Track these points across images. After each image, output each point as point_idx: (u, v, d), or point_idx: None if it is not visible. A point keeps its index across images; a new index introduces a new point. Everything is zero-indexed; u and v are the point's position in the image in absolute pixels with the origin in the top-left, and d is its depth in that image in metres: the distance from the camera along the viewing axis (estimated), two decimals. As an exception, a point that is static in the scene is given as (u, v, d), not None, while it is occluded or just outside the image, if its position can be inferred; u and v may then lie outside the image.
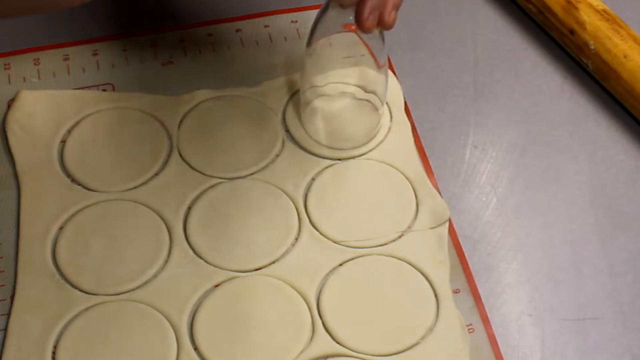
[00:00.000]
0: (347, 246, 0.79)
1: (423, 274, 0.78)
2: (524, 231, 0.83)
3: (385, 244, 0.79)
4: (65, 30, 0.92)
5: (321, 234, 0.79)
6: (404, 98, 0.89)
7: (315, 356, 0.73)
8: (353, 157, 0.84)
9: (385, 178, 0.84)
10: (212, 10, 0.95)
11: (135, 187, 0.82)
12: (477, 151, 0.88)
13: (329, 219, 0.80)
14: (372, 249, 0.79)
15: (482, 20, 0.98)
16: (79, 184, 0.82)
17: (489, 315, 0.77)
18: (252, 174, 0.83)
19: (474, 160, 0.87)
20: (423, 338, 0.74)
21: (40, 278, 0.76)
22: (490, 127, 0.90)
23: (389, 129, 0.87)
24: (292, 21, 0.95)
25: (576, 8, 0.92)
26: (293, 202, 0.81)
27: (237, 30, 0.93)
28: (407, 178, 0.83)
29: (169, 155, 0.84)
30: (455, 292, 0.77)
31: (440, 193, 0.83)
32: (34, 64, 0.90)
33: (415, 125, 0.88)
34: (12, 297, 0.75)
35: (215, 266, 0.77)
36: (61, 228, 0.79)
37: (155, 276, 0.76)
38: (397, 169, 0.84)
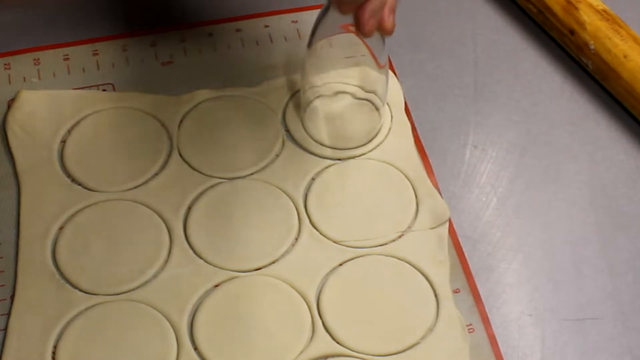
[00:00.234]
0: (347, 246, 0.79)
1: (423, 274, 0.78)
2: (524, 231, 0.83)
3: (385, 243, 0.79)
4: (65, 30, 0.92)
5: (321, 233, 0.79)
6: (404, 98, 0.89)
7: (315, 356, 0.73)
8: (353, 157, 0.84)
9: (386, 178, 0.84)
10: (213, 10, 0.95)
11: (135, 187, 0.82)
12: (477, 151, 0.88)
13: (329, 218, 0.80)
14: (372, 249, 0.79)
15: (482, 20, 0.98)
16: (79, 184, 0.82)
17: (489, 315, 0.76)
18: (252, 174, 0.83)
19: (474, 160, 0.87)
20: (423, 338, 0.74)
21: (40, 278, 0.76)
22: (490, 127, 0.90)
23: (389, 129, 0.87)
24: (292, 21, 0.95)
25: (576, 8, 0.92)
26: (293, 202, 0.81)
27: (238, 30, 0.93)
28: (407, 178, 0.83)
29: (169, 155, 0.84)
30: (455, 292, 0.77)
31: (440, 193, 0.83)
32: (34, 64, 0.90)
33: (416, 125, 0.88)
34: (12, 297, 0.75)
35: (215, 266, 0.77)
36: (61, 228, 0.79)
37: (155, 276, 0.76)
38: (397, 168, 0.84)
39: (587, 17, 0.92)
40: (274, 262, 0.78)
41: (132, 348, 0.73)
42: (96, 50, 0.91)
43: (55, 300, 0.75)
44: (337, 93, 0.85)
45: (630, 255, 0.82)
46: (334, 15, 0.73)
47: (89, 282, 0.76)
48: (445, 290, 0.77)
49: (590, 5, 0.92)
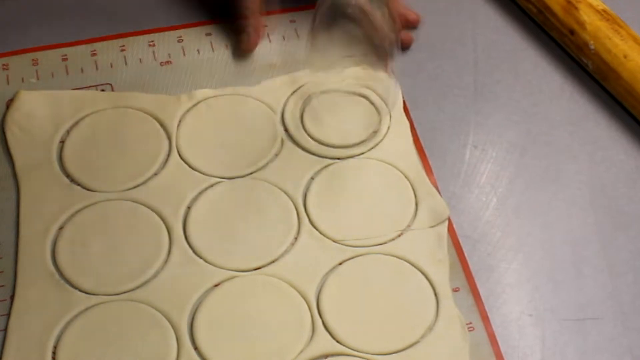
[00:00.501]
0: (347, 245, 0.79)
1: (423, 273, 0.78)
2: (524, 231, 0.83)
3: (385, 242, 0.79)
4: (63, 31, 0.92)
5: (321, 233, 0.79)
6: (403, 97, 0.89)
7: (315, 355, 0.73)
8: (352, 157, 0.84)
9: (385, 177, 0.84)
10: (211, 10, 0.95)
11: (134, 187, 0.82)
12: (477, 151, 0.87)
13: (328, 218, 0.80)
14: (372, 248, 0.79)
15: (482, 20, 0.98)
16: (78, 184, 0.82)
17: (489, 315, 0.76)
18: (251, 173, 0.83)
19: (474, 160, 0.87)
20: (423, 336, 0.74)
21: (40, 278, 0.76)
22: (490, 127, 0.90)
23: (388, 128, 0.87)
24: (290, 21, 0.95)
25: (576, 8, 0.92)
26: (292, 201, 0.81)
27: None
28: (406, 177, 0.83)
29: (168, 155, 0.84)
30: (455, 290, 0.77)
31: (440, 193, 0.83)
32: (33, 65, 0.90)
33: (415, 125, 0.88)
34: (12, 297, 0.75)
35: (215, 266, 0.77)
36: (61, 228, 0.79)
37: (155, 276, 0.76)
38: (396, 167, 0.84)
39: (587, 17, 0.92)
40: (273, 262, 0.78)
41: (132, 348, 0.73)
42: (94, 50, 0.91)
43: (55, 300, 0.75)
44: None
45: (630, 255, 0.82)
46: (333, 6, 0.72)
47: (89, 282, 0.76)
48: (444, 289, 0.77)
49: (590, 5, 0.92)
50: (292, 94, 0.88)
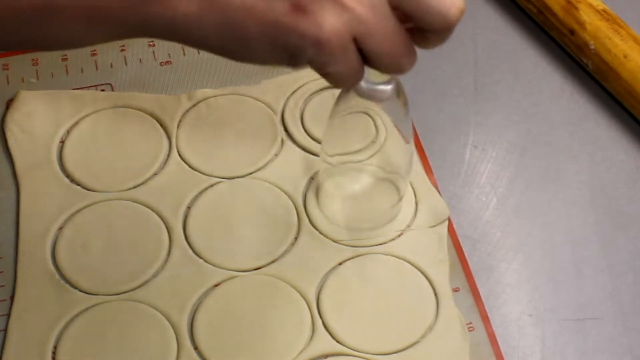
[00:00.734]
0: (347, 245, 0.79)
1: (423, 273, 0.78)
2: (524, 231, 0.83)
3: (385, 242, 0.79)
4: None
5: (320, 233, 0.79)
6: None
7: (315, 355, 0.73)
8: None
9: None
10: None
11: (134, 187, 0.82)
12: (477, 151, 0.87)
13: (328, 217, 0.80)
14: (372, 248, 0.79)
15: (482, 20, 0.98)
16: (78, 184, 0.82)
17: (489, 314, 0.76)
18: (251, 173, 0.83)
19: (474, 160, 0.87)
20: (423, 336, 0.74)
21: (40, 278, 0.76)
22: (490, 127, 0.90)
23: (387, 131, 0.86)
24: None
25: (576, 8, 0.92)
26: (292, 201, 0.81)
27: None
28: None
29: (168, 155, 0.84)
30: (455, 290, 0.77)
31: (440, 193, 0.83)
32: (33, 65, 0.90)
33: (415, 125, 0.88)
34: (12, 297, 0.75)
35: (214, 266, 0.77)
36: (61, 228, 0.79)
37: (155, 276, 0.76)
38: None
39: (587, 17, 0.92)
40: (273, 262, 0.78)
41: (132, 348, 0.73)
42: (94, 50, 0.91)
43: (55, 300, 0.74)
44: (357, 172, 0.82)
45: (630, 255, 0.82)
46: (354, 95, 0.70)
47: (89, 282, 0.76)
48: (445, 289, 0.77)
49: (590, 5, 0.92)
50: (292, 94, 0.88)
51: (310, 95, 0.88)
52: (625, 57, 0.89)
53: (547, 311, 0.78)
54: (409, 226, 0.80)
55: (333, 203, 0.81)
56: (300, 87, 0.89)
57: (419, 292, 0.77)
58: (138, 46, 0.92)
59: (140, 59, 0.91)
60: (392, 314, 0.75)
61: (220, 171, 0.83)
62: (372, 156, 0.81)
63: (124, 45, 0.92)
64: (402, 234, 0.80)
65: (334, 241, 0.79)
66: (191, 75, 0.90)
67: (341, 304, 0.75)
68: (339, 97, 0.72)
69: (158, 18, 0.56)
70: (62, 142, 0.84)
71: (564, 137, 0.89)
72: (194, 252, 0.78)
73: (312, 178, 0.83)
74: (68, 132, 0.85)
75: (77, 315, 0.74)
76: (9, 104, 0.86)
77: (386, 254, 0.79)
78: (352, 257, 0.78)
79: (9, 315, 0.74)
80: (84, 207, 0.80)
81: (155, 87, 0.89)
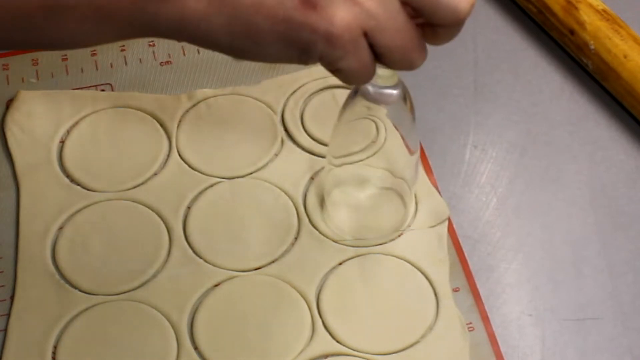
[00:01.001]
0: (347, 245, 0.79)
1: (423, 273, 0.77)
2: (524, 231, 0.83)
3: (385, 242, 0.79)
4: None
5: (321, 233, 0.79)
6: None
7: (315, 355, 0.73)
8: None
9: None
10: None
11: (134, 187, 0.82)
12: (477, 151, 0.87)
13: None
14: (372, 248, 0.79)
15: (482, 20, 0.98)
16: (78, 184, 0.82)
17: (489, 314, 0.76)
18: (251, 173, 0.83)
19: (474, 160, 0.87)
20: (423, 336, 0.74)
21: (40, 278, 0.76)
22: (490, 127, 0.90)
23: (386, 132, 0.86)
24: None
25: (576, 8, 0.92)
26: (292, 201, 0.81)
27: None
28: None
29: (168, 155, 0.84)
30: (455, 290, 0.77)
31: (440, 193, 0.83)
32: (33, 65, 0.90)
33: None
34: (12, 297, 0.75)
35: (214, 266, 0.77)
36: (61, 228, 0.79)
37: (155, 276, 0.76)
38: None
39: (587, 17, 0.92)
40: (273, 262, 0.78)
41: (132, 348, 0.73)
42: (94, 50, 0.91)
43: (55, 300, 0.74)
44: (361, 182, 0.82)
45: (630, 255, 0.82)
46: (361, 99, 0.70)
47: (89, 282, 0.76)
48: (445, 289, 0.77)
49: (590, 5, 0.92)
50: (292, 94, 0.88)
51: (310, 95, 0.88)
52: (625, 57, 0.89)
53: (547, 311, 0.78)
54: (409, 226, 0.80)
55: (339, 214, 0.81)
56: (300, 87, 0.89)
57: (419, 292, 0.77)
58: (138, 46, 0.92)
59: (140, 59, 0.91)
60: (392, 314, 0.75)
61: (220, 171, 0.83)
62: (374, 159, 0.82)
63: (124, 45, 0.92)
64: (402, 234, 0.80)
65: (334, 241, 0.79)
66: (191, 75, 0.90)
67: (341, 304, 0.75)
68: (346, 103, 0.72)
69: (167, 16, 0.56)
70: (62, 142, 0.84)
71: (564, 137, 0.89)
72: (194, 252, 0.78)
73: (312, 178, 0.83)
74: (68, 132, 0.85)
75: (77, 315, 0.74)
76: (9, 104, 0.86)
77: (386, 254, 0.78)
78: (352, 257, 0.78)
79: (9, 315, 0.74)
80: (84, 207, 0.80)
81: (155, 87, 0.89)
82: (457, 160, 0.87)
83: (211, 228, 0.79)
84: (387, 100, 0.69)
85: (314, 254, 0.78)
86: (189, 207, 0.81)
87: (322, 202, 0.81)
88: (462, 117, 0.90)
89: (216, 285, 0.76)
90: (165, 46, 0.92)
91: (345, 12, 0.55)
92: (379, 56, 0.58)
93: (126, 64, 0.91)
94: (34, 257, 0.77)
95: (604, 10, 0.92)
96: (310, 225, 0.80)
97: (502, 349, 0.74)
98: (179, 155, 0.84)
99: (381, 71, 0.64)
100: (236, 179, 0.82)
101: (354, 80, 0.60)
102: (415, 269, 0.78)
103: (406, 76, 0.91)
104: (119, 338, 0.73)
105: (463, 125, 0.89)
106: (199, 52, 0.91)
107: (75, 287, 0.75)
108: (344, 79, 0.59)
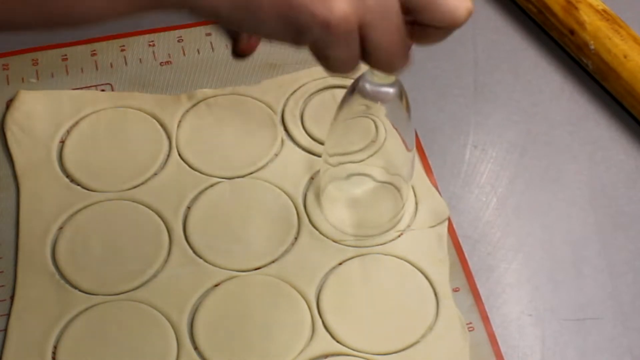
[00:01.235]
0: (347, 245, 0.79)
1: (423, 273, 0.78)
2: (524, 231, 0.83)
3: (385, 242, 0.79)
4: (63, 31, 0.92)
5: (321, 233, 0.79)
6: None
7: (315, 355, 0.73)
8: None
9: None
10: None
11: (134, 187, 0.82)
12: (477, 151, 0.87)
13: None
14: (372, 248, 0.79)
15: (482, 20, 0.98)
16: (78, 184, 0.82)
17: (489, 314, 0.76)
18: (251, 173, 0.83)
19: (474, 160, 0.87)
20: (423, 336, 0.74)
21: (40, 278, 0.76)
22: (490, 127, 0.90)
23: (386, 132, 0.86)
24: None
25: (576, 8, 0.92)
26: (292, 201, 0.81)
27: (236, 30, 0.93)
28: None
29: (168, 155, 0.84)
30: (455, 290, 0.77)
31: (440, 193, 0.83)
32: (33, 65, 0.90)
33: (415, 125, 0.87)
34: (12, 297, 0.75)
35: (214, 266, 0.77)
36: (61, 228, 0.79)
37: (155, 276, 0.76)
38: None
39: (587, 17, 0.92)
40: (273, 262, 0.78)
41: (132, 348, 0.73)
42: (94, 50, 0.91)
43: (55, 300, 0.74)
44: (358, 177, 0.82)
45: (630, 255, 0.82)
46: (358, 97, 0.71)
47: (89, 282, 0.76)
48: (445, 289, 0.77)
49: (590, 5, 0.92)
50: (292, 94, 0.88)
51: (310, 95, 0.88)
52: (625, 57, 0.89)
53: (547, 311, 0.78)
54: (409, 226, 0.80)
55: (336, 208, 0.81)
56: (300, 87, 0.89)
57: (419, 292, 0.77)
58: (138, 46, 0.92)
59: (140, 59, 0.91)
60: (392, 314, 0.75)
61: (220, 171, 0.83)
62: (371, 156, 0.81)
63: (124, 45, 0.92)
64: (402, 234, 0.80)
65: (334, 241, 0.79)
66: (191, 75, 0.90)
67: (341, 304, 0.75)
68: (343, 101, 0.73)
69: None
70: (62, 142, 0.84)
71: (564, 137, 0.89)
72: (194, 252, 0.78)
73: (312, 178, 0.83)
74: (68, 132, 0.85)
75: (77, 315, 0.74)
76: (9, 104, 0.86)
77: (386, 254, 0.78)
78: (352, 257, 0.78)
79: (9, 315, 0.74)
80: (84, 207, 0.80)
81: (155, 87, 0.89)
82: (457, 160, 0.87)
83: (211, 228, 0.79)
84: (384, 97, 0.69)
85: (314, 254, 0.78)
86: (189, 207, 0.81)
87: (319, 196, 0.82)
88: (462, 117, 0.90)
89: (216, 285, 0.76)
90: (165, 46, 0.92)
91: (346, 3, 0.55)
92: (364, 52, 0.58)
93: (126, 64, 0.91)
94: (34, 257, 0.77)
95: (604, 10, 0.92)
96: (310, 225, 0.80)
97: (502, 349, 0.74)
98: (179, 155, 0.84)
99: None
100: (236, 179, 0.82)
101: (337, 70, 0.60)
102: (415, 269, 0.78)
103: (406, 76, 0.91)
104: (119, 338, 0.73)
105: (463, 125, 0.89)
106: (199, 52, 0.91)
107: (75, 287, 0.75)
108: (328, 66, 0.60)
